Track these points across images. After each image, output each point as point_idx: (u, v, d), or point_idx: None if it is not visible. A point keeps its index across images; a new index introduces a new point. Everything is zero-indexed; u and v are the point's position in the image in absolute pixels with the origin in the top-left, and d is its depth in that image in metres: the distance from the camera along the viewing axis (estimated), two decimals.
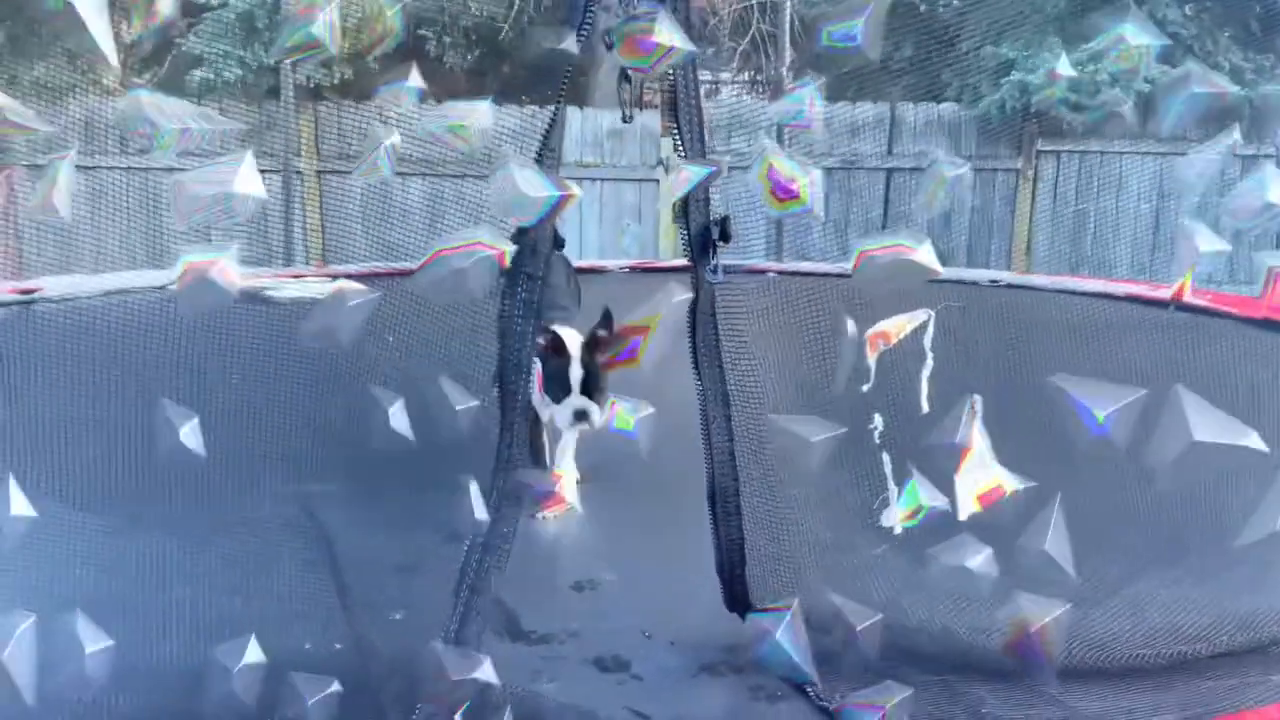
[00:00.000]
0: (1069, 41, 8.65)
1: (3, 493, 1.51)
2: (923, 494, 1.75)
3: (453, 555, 1.92)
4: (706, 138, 2.07)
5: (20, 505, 1.50)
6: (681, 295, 1.82)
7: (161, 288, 4.81)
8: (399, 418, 1.78)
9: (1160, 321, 5.05)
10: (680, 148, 2.03)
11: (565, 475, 2.93)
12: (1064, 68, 2.96)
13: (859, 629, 1.91)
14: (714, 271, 1.91)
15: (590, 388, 2.73)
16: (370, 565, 2.27)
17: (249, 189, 1.50)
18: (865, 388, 2.02)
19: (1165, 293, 5.49)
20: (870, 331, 2.07)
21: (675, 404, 1.96)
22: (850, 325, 2.11)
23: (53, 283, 4.55)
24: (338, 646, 1.96)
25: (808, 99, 1.70)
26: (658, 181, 8.64)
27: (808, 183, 1.64)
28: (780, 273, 4.41)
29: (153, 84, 8.09)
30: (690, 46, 1.67)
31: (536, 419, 2.90)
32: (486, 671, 1.64)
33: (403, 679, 1.80)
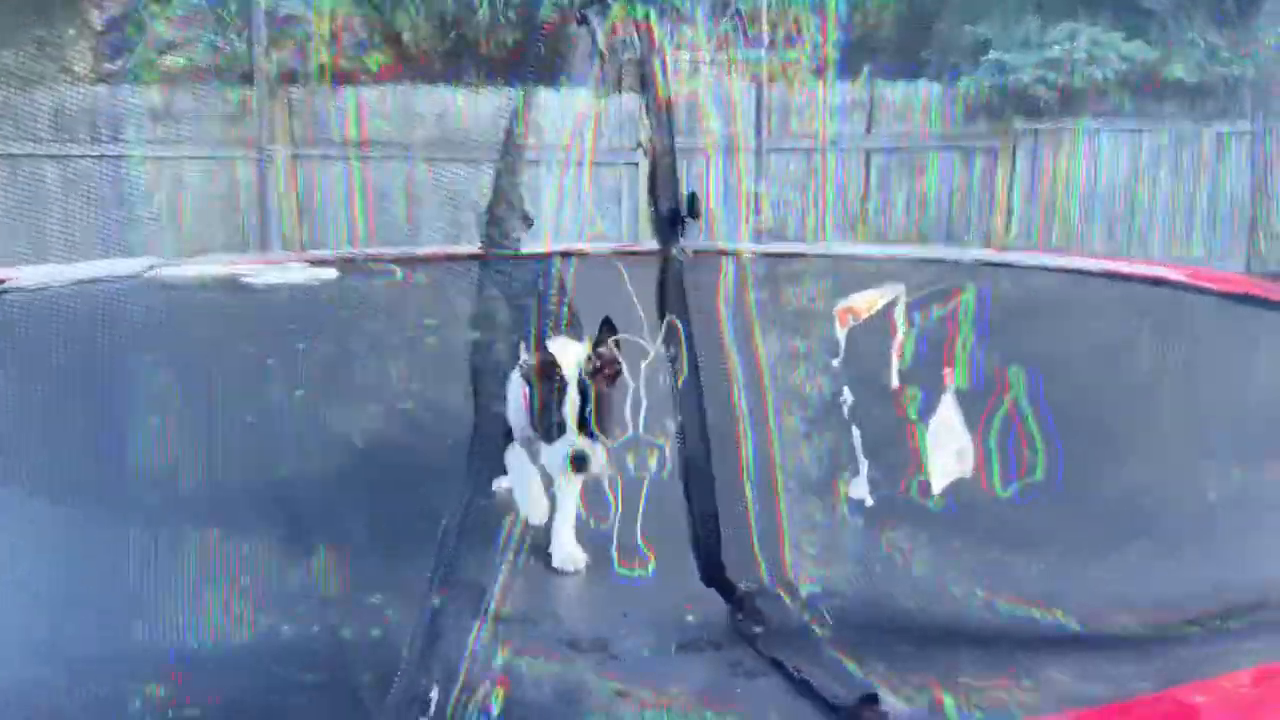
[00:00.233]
0: (1047, 19, 8.67)
1: None
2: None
3: (428, 535, 1.92)
4: (677, 118, 2.06)
5: None
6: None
7: (135, 276, 4.78)
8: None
9: (1136, 297, 5.10)
10: (650, 126, 2.03)
11: (569, 552, 2.33)
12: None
13: (833, 600, 1.93)
14: (681, 251, 1.90)
15: (591, 422, 2.19)
16: (347, 548, 2.26)
17: None
18: (835, 362, 2.03)
19: (1141, 268, 5.53)
20: (839, 306, 2.07)
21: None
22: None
23: (28, 272, 4.51)
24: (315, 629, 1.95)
25: None
26: (638, 165, 8.62)
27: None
28: (754, 254, 4.41)
29: (123, 71, 8.00)
30: None
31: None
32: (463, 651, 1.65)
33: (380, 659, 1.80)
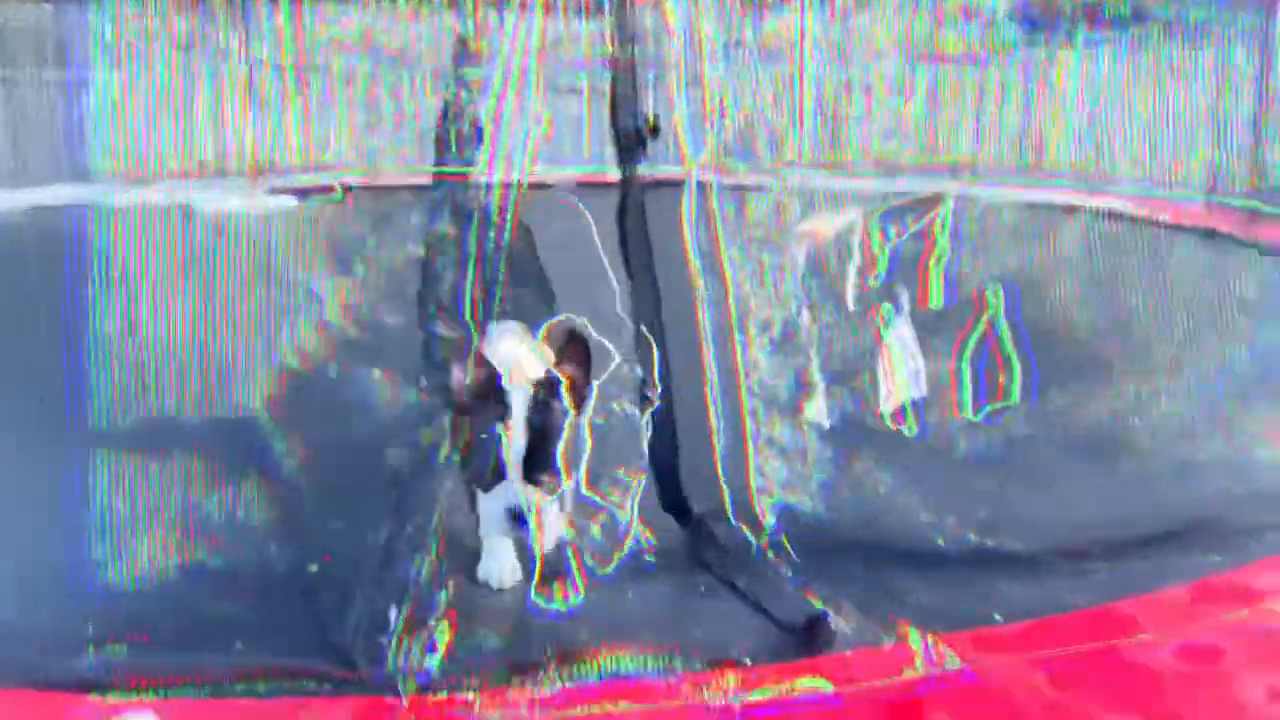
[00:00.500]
0: None
1: None
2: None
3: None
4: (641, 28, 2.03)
5: None
6: None
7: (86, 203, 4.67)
8: None
9: (1100, 229, 5.13)
10: (613, 41, 2.00)
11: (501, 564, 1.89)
12: None
13: (787, 524, 1.96)
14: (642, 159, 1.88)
15: (540, 464, 1.70)
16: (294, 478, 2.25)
17: None
18: (796, 284, 2.03)
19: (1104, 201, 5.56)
20: (800, 228, 2.07)
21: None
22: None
23: None
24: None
25: None
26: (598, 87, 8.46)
27: None
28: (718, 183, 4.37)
29: None
30: None
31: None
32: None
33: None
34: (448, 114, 2.08)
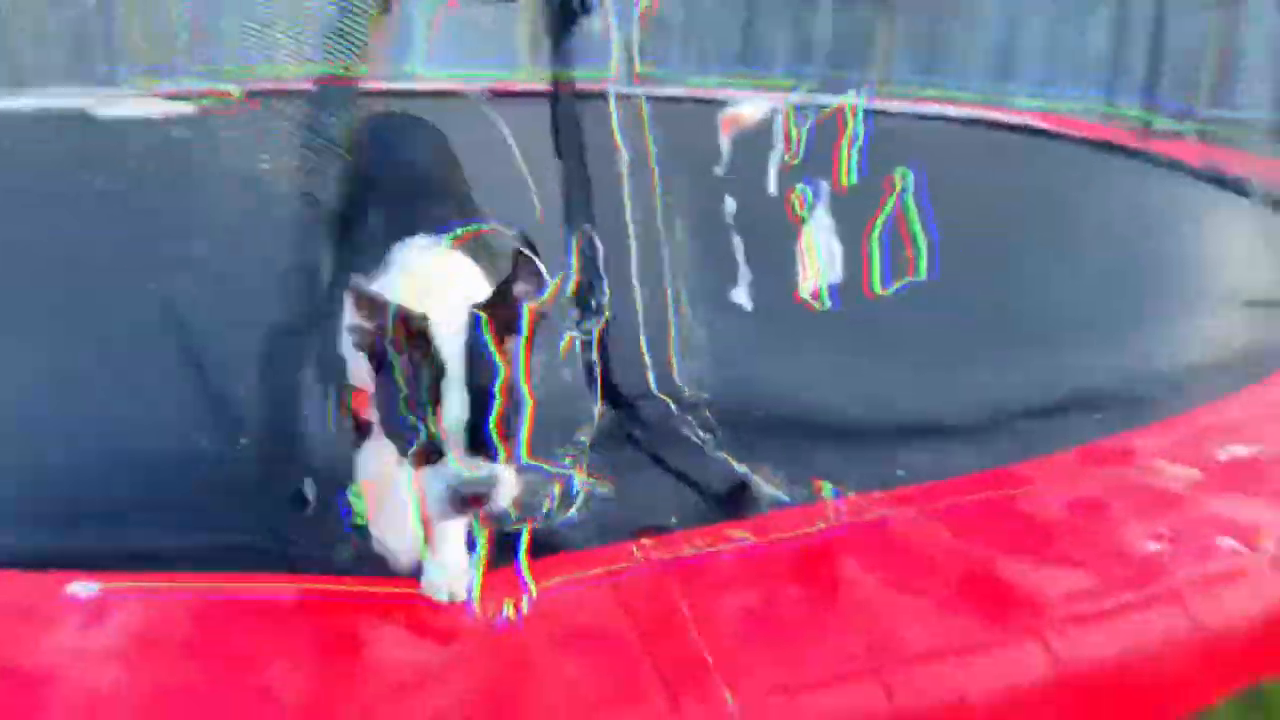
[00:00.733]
0: None
1: None
2: None
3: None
4: None
5: None
6: None
7: None
8: None
9: (1005, 144, 5.33)
10: None
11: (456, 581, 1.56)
12: None
13: (712, 402, 2.06)
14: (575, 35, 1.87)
15: (483, 430, 1.32)
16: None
17: None
18: (718, 170, 2.10)
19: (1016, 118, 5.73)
20: (724, 114, 2.13)
21: None
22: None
23: None
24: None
25: None
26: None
27: None
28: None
29: None
30: None
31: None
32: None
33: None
34: (346, 10, 1.81)
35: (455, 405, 1.30)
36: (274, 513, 1.72)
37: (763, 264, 2.06)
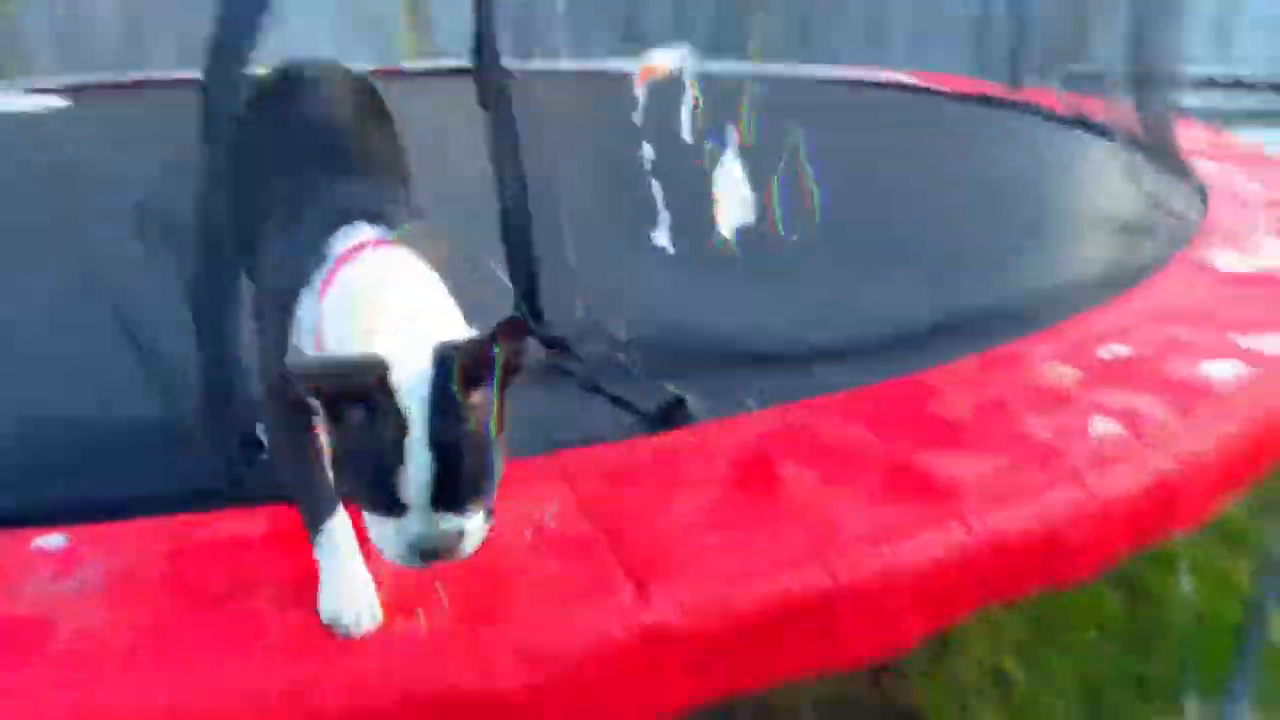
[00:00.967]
0: None
1: None
2: None
3: None
4: None
5: None
6: None
7: None
8: None
9: (879, 102, 5.57)
10: None
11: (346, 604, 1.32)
12: None
13: (640, 335, 2.18)
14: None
15: (457, 485, 1.15)
16: None
17: None
18: (635, 117, 2.21)
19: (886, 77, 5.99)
20: (640, 65, 2.24)
21: None
22: None
23: None
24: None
25: None
26: None
27: None
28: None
29: None
30: None
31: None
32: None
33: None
34: None
35: (421, 469, 1.12)
36: (229, 459, 1.77)
37: (682, 208, 2.19)
